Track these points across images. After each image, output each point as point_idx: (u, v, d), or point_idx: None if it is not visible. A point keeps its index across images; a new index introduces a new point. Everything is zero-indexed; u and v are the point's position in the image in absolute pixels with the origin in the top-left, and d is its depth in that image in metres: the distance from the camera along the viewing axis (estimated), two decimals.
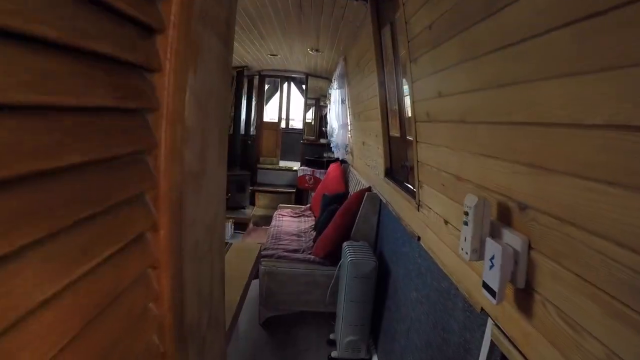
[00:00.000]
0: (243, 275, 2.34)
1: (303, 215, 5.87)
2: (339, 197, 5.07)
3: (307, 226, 5.36)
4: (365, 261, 3.18)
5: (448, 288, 1.88)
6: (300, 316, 4.05)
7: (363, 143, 4.33)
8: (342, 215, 3.90)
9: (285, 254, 3.96)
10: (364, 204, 3.79)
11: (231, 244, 2.79)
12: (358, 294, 3.21)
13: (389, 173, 3.28)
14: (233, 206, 7.25)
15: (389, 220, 3.33)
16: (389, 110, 3.19)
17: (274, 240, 4.71)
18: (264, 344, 3.70)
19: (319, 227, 4.60)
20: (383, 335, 3.23)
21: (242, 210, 7.32)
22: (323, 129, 8.04)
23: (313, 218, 5.73)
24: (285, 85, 9.55)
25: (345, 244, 3.52)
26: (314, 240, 4.62)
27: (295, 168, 7.96)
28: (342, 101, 5.23)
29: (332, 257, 3.80)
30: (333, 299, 3.72)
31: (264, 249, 4.44)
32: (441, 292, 1.98)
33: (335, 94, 5.74)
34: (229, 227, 6.45)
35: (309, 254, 4.32)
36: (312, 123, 8.28)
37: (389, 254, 3.31)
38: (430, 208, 2.07)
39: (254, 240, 6.24)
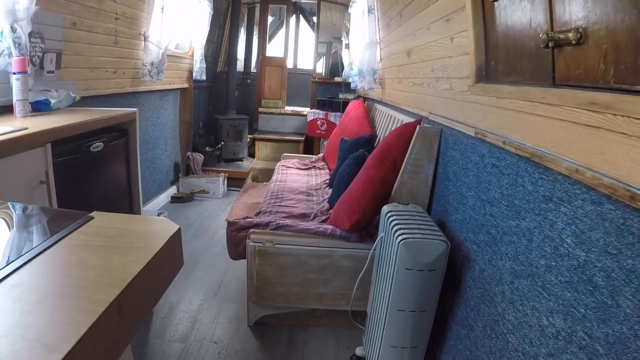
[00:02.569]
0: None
1: (314, 167, 4.50)
2: (364, 142, 3.68)
3: (319, 181, 3.99)
4: (427, 241, 1.82)
5: None
6: (310, 317, 2.73)
7: (408, 54, 2.91)
8: (377, 164, 2.51)
9: (288, 221, 2.59)
10: (415, 145, 2.40)
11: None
12: (411, 297, 1.86)
13: (489, 73, 1.84)
14: (227, 158, 5.89)
15: (472, 170, 1.95)
16: None
17: (273, 201, 3.36)
18: (254, 358, 2.40)
19: (336, 183, 3.23)
20: None
21: (239, 162, 5.96)
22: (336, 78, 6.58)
23: (327, 171, 4.36)
24: (293, 18, 8.02)
25: (387, 208, 2.15)
26: (331, 202, 3.27)
27: (304, 112, 6.54)
28: (370, 11, 3.76)
29: (361, 227, 2.44)
30: (362, 293, 2.38)
31: (257, 214, 3.10)
32: None
33: (358, 5, 4.27)
34: (221, 182, 5.11)
35: (324, 220, 2.97)
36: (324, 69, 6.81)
37: (466, 230, 1.95)
38: None
39: (250, 199, 4.92)
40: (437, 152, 2.43)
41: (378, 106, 4.24)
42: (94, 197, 2.14)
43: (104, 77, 3.32)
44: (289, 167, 4.42)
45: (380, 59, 3.83)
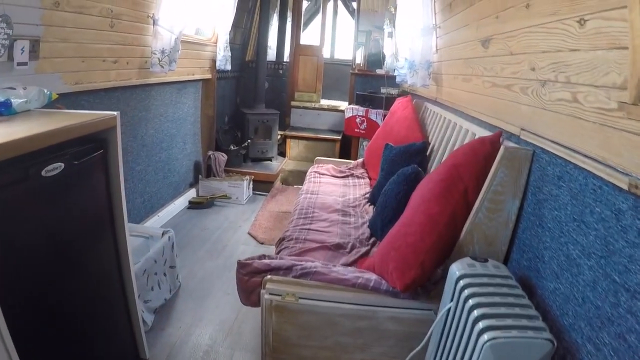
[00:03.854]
0: None
1: (352, 175, 3.85)
2: (415, 151, 3.02)
3: (358, 194, 3.35)
4: (526, 341, 1.19)
5: None
6: None
7: (485, 43, 2.18)
8: (441, 195, 1.84)
9: (318, 265, 1.95)
10: (497, 173, 1.74)
11: None
12: None
13: None
14: (255, 157, 5.28)
15: (595, 228, 1.30)
16: None
17: (302, 221, 2.74)
18: None
19: (380, 204, 2.58)
20: None
21: (267, 162, 5.35)
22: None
23: (367, 181, 3.70)
24: (330, 4, 7.35)
25: (458, 269, 1.52)
26: (372, 226, 2.63)
27: (342, 108, 5.88)
28: None
29: (417, 286, 1.78)
30: None
31: (281, 241, 2.50)
32: None
33: None
34: (245, 187, 4.52)
35: (363, 255, 2.34)
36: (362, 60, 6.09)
37: (575, 314, 1.35)
38: None
39: (278, 206, 4.31)
40: (526, 183, 1.76)
41: (430, 106, 3.54)
42: (56, 231, 1.56)
43: (101, 67, 2.75)
44: (323, 175, 3.78)
45: (436, 50, 3.14)
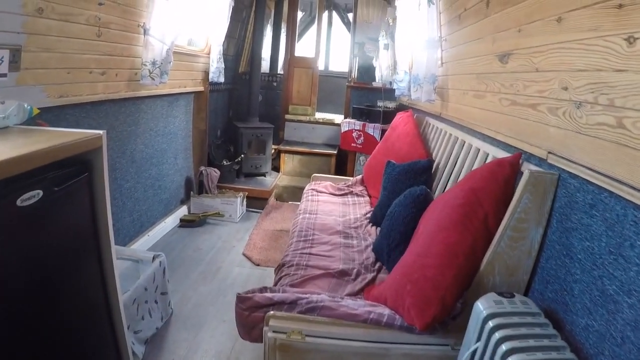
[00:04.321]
0: None
1: (351, 192, 3.68)
2: (420, 170, 2.87)
3: (358, 214, 3.18)
4: None
5: None
6: None
7: (503, 58, 2.02)
8: (460, 222, 1.68)
9: (327, 302, 1.76)
10: (521, 199, 1.59)
11: None
12: None
13: None
14: (248, 172, 5.11)
15: (637, 263, 1.15)
16: None
17: (301, 245, 2.58)
18: None
19: (386, 228, 2.42)
20: None
21: (261, 178, 5.18)
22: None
23: (367, 199, 3.55)
24: (325, 14, 7.25)
25: (485, 307, 1.37)
26: (377, 250, 2.47)
27: (337, 121, 5.73)
28: (430, 1, 2.93)
29: (438, 323, 1.61)
30: None
31: (280, 268, 2.34)
32: None
33: None
34: (238, 204, 4.33)
35: (369, 282, 2.17)
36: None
37: (614, 355, 1.20)
38: None
39: (273, 224, 4.13)
40: (550, 209, 1.61)
41: (433, 122, 3.40)
42: (34, 263, 1.38)
43: (87, 79, 2.57)
44: (321, 192, 3.62)
45: (442, 63, 3.00)
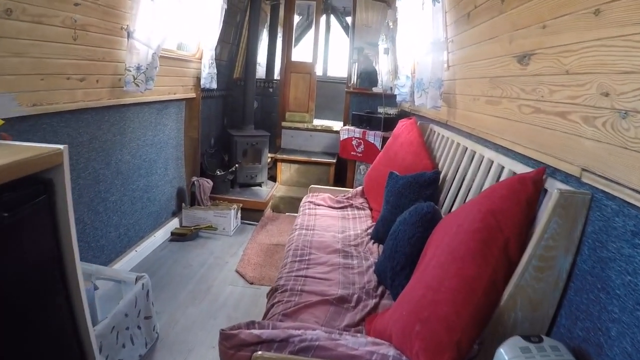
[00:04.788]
0: None
1: (351, 205, 3.47)
2: (426, 182, 2.66)
3: (359, 229, 2.97)
4: None
5: None
6: None
7: (522, 59, 1.78)
8: (477, 251, 1.46)
9: (323, 340, 1.54)
10: (549, 223, 1.38)
11: None
12: None
13: None
14: (243, 182, 4.89)
15: None
16: None
17: (296, 266, 2.38)
18: None
19: (390, 248, 2.21)
20: None
21: (257, 188, 4.96)
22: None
23: (368, 212, 3.33)
24: (323, 18, 7.06)
25: (508, 358, 1.15)
26: (380, 272, 2.26)
27: (336, 128, 5.53)
28: (435, 0, 2.72)
29: None
30: None
31: (273, 292, 2.13)
32: None
33: None
34: (232, 216, 4.12)
35: (370, 310, 1.96)
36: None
37: None
38: None
39: (268, 237, 3.91)
40: (581, 235, 1.40)
41: (438, 129, 3.19)
42: None
43: (64, 86, 2.36)
44: (319, 205, 3.40)
45: (448, 67, 2.79)
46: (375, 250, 2.63)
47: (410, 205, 2.55)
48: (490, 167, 2.15)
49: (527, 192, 1.52)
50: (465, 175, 2.42)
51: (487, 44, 2.11)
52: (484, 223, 1.51)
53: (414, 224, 2.11)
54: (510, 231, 1.47)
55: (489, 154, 2.19)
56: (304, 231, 2.86)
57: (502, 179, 1.98)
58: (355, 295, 2.09)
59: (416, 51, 3.17)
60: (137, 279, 2.46)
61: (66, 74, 2.35)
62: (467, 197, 2.34)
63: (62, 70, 2.31)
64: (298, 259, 2.45)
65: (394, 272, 2.11)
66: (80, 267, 1.57)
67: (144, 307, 2.42)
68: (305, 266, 2.36)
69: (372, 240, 2.78)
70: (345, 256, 2.53)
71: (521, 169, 1.81)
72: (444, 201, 2.65)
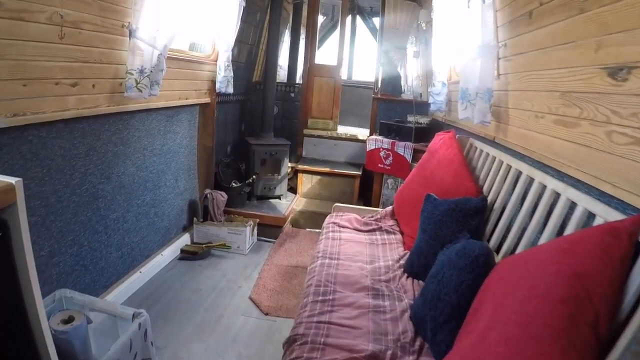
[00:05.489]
0: None
1: (380, 228, 3.08)
2: (471, 211, 2.28)
3: (390, 259, 2.60)
4: None
5: None
6: None
7: (617, 73, 1.34)
8: (561, 330, 1.08)
9: None
10: None
11: None
12: None
13: None
14: (260, 195, 4.54)
15: None
16: None
17: (318, 307, 2.01)
18: None
19: (430, 293, 1.83)
20: None
21: (276, 201, 4.60)
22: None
23: (399, 237, 2.94)
24: (349, 19, 6.70)
25: None
26: (417, 318, 1.89)
27: (361, 137, 5.15)
28: None
29: None
30: None
31: (290, 344, 1.77)
32: None
33: None
34: (248, 234, 3.76)
35: None
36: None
37: None
38: None
39: (287, 258, 3.54)
40: None
41: (481, 146, 2.79)
42: None
43: (53, 92, 2.03)
44: (343, 228, 3.02)
45: (497, 75, 2.39)
46: (410, 288, 2.24)
47: (452, 237, 2.17)
48: (555, 201, 1.75)
49: (622, 248, 1.13)
50: (522, 208, 2.03)
51: (560, 51, 1.69)
52: (570, 292, 1.12)
53: (463, 268, 1.72)
54: (601, 301, 1.09)
55: (553, 184, 1.79)
56: (327, 260, 2.49)
57: (575, 219, 1.58)
58: (389, 352, 1.72)
59: (458, 56, 2.78)
60: (134, 317, 2.12)
61: (54, 78, 2.02)
62: (521, 234, 1.94)
63: (49, 74, 1.98)
64: (320, 298, 2.08)
65: (436, 323, 1.73)
66: (44, 311, 1.23)
67: (142, 349, 2.09)
68: (329, 308, 1.99)
69: (406, 275, 2.39)
70: (376, 296, 2.15)
71: (605, 212, 1.41)
72: (489, 234, 2.26)
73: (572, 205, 1.63)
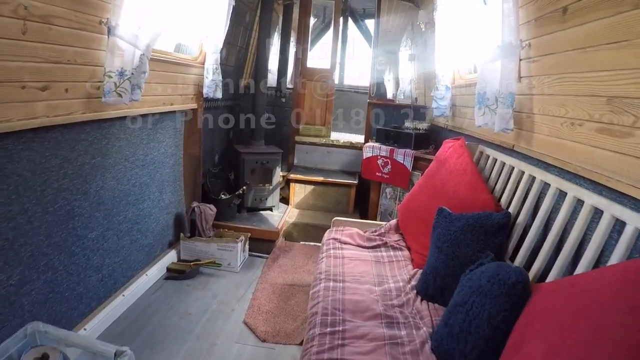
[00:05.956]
0: None
1: (385, 244, 2.83)
2: (494, 228, 2.05)
3: (400, 280, 2.36)
4: None
5: None
6: None
7: None
8: None
9: None
10: None
11: None
12: None
13: None
14: (251, 206, 4.27)
15: None
16: None
17: (327, 340, 1.78)
18: None
19: (460, 325, 1.59)
20: None
21: (267, 213, 4.33)
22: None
23: (407, 254, 2.70)
24: (341, 21, 6.48)
25: None
26: (440, 352, 1.64)
27: (356, 142, 4.91)
28: None
29: None
30: None
31: None
32: None
33: None
34: (239, 250, 3.49)
35: None
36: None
37: None
38: None
39: (282, 275, 3.27)
40: None
41: (494, 154, 2.56)
42: None
43: (18, 97, 1.76)
44: (345, 244, 2.77)
45: (519, 78, 2.16)
46: (426, 314, 2.00)
47: (474, 257, 1.95)
48: (596, 218, 1.53)
49: None
50: (551, 225, 1.80)
51: (605, 51, 1.46)
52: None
53: (498, 297, 1.49)
54: None
55: (592, 199, 1.57)
56: (331, 283, 2.23)
57: (624, 241, 1.39)
58: None
59: (471, 57, 2.56)
60: (116, 355, 1.84)
61: (20, 81, 1.74)
62: (556, 254, 1.72)
63: (14, 76, 1.70)
64: (329, 329, 1.83)
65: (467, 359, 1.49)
66: None
67: None
68: (340, 342, 1.74)
69: (419, 297, 2.15)
70: (390, 324, 1.91)
71: None
72: (512, 253, 2.04)
73: (617, 222, 1.42)
